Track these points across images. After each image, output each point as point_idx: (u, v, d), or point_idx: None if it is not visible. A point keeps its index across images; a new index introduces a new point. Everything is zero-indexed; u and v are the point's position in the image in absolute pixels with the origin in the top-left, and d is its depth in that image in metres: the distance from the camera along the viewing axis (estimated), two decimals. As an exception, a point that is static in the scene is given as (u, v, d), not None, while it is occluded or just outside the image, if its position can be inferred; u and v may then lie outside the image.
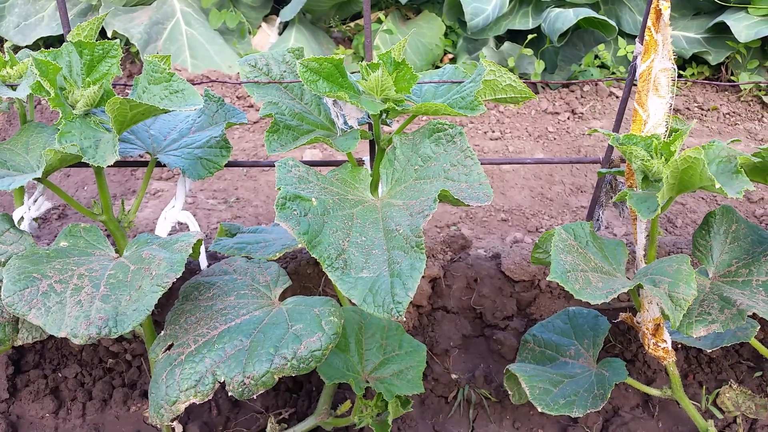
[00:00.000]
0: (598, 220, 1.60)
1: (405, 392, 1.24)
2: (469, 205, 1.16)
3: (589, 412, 1.32)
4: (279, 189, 1.14)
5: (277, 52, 1.48)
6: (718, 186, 1.09)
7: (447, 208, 2.48)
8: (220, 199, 2.46)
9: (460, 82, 1.42)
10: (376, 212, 1.21)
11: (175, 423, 1.38)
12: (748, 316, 1.15)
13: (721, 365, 1.64)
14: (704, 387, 1.60)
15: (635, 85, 1.42)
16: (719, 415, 1.55)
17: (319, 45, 3.46)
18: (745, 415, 1.55)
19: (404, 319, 1.02)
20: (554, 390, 1.38)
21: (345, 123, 1.42)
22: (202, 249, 1.47)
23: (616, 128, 1.54)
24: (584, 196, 2.67)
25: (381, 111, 1.28)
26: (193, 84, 1.63)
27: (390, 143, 1.32)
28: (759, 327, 1.39)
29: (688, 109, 3.35)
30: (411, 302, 1.70)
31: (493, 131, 3.10)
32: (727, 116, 3.35)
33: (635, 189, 1.28)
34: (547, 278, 1.13)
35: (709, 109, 3.34)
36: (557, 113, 3.21)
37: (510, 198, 2.62)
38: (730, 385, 1.58)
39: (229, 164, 1.45)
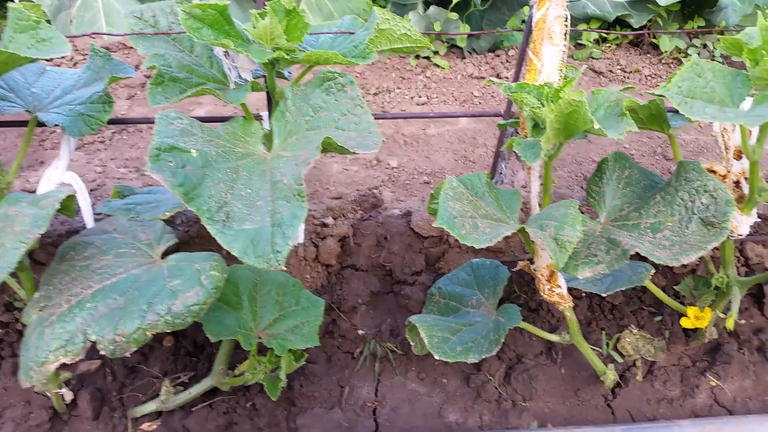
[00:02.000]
0: (501, 173, 1.60)
1: (299, 346, 1.22)
2: (355, 153, 1.14)
3: (485, 356, 1.33)
4: (154, 140, 1.09)
5: (165, 3, 1.41)
6: (597, 127, 1.10)
7: (370, 173, 2.46)
8: (131, 168, 2.37)
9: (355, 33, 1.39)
10: (265, 164, 1.17)
11: (64, 390, 1.33)
12: (632, 256, 1.17)
13: (623, 312, 1.69)
14: (605, 333, 1.64)
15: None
16: (619, 359, 1.60)
17: (242, 11, 3.35)
18: (645, 358, 1.59)
19: (284, 268, 0.99)
20: (452, 338, 1.39)
21: (239, 76, 1.37)
22: (90, 211, 1.40)
23: (516, 79, 1.54)
24: (506, 156, 2.68)
25: (272, 61, 1.24)
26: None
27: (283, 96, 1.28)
28: (654, 271, 1.42)
29: (611, 71, 3.40)
30: (319, 261, 1.68)
31: (420, 96, 3.08)
32: (649, 78, 3.42)
33: (527, 137, 1.28)
34: (433, 224, 1.12)
35: (631, 72, 3.40)
36: (483, 78, 3.21)
37: (434, 161, 2.62)
38: (631, 330, 1.62)
39: (112, 121, 1.39)
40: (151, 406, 1.33)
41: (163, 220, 1.31)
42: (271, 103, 1.48)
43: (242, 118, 1.31)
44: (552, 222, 1.18)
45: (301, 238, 1.44)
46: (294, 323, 1.28)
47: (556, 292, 1.38)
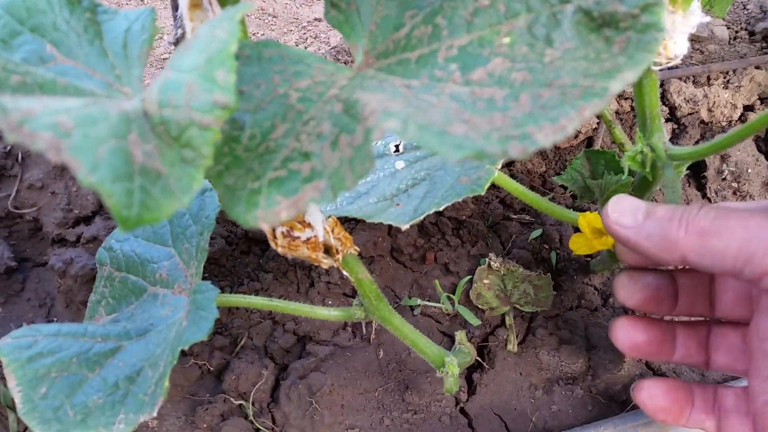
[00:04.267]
0: None
1: None
2: None
3: (143, 420, 0.58)
4: None
5: None
6: None
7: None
8: None
9: None
10: None
11: None
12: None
13: (475, 230, 0.96)
14: (438, 278, 0.92)
15: None
16: (475, 322, 0.89)
17: None
18: (519, 309, 0.90)
19: None
20: (90, 377, 0.62)
21: None
22: None
23: None
24: (320, 5, 1.84)
25: None
26: None
27: None
28: (500, 166, 0.68)
29: None
30: None
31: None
32: None
33: None
34: None
35: None
36: None
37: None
38: (490, 264, 0.90)
39: None
40: None
41: None
42: None
43: None
44: (178, 76, 0.39)
45: None
46: None
47: (303, 239, 0.62)
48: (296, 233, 0.62)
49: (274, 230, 0.62)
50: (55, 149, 0.31)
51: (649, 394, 0.67)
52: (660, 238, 0.55)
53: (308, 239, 0.63)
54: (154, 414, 0.56)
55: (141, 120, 0.38)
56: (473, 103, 0.42)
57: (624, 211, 0.57)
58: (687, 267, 0.61)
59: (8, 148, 0.86)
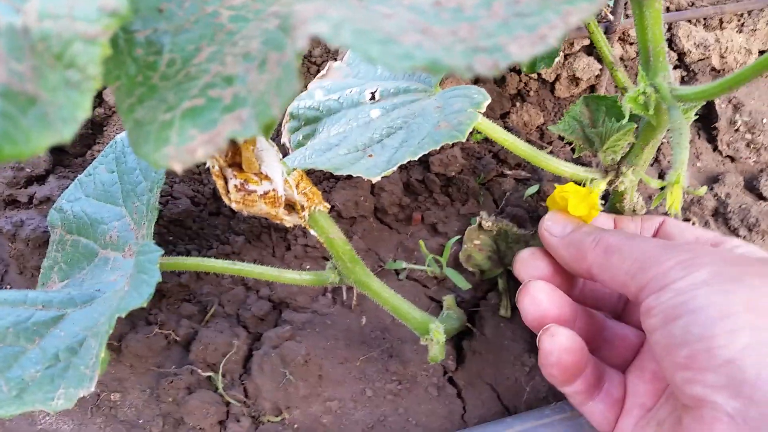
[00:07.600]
0: None
1: None
2: None
3: (83, 394, 0.52)
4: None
5: None
6: None
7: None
8: None
9: None
10: None
11: None
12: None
13: (466, 186, 0.88)
14: (425, 237, 0.85)
15: None
16: (464, 285, 0.82)
17: None
18: (513, 273, 0.83)
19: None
20: (30, 347, 0.56)
21: None
22: None
23: None
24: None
25: None
26: None
27: None
28: (487, 101, 0.60)
29: None
30: None
31: None
32: None
33: None
34: None
35: None
36: None
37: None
38: (480, 224, 0.83)
39: None
40: None
41: None
42: None
43: None
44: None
45: None
46: None
47: (261, 194, 0.55)
48: (252, 186, 0.55)
49: (226, 182, 0.55)
50: None
51: (558, 356, 0.58)
52: (575, 249, 0.59)
53: (266, 193, 0.56)
54: (92, 389, 0.50)
55: (16, 35, 0.30)
56: (436, 14, 0.34)
57: (557, 223, 0.63)
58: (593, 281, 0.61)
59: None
